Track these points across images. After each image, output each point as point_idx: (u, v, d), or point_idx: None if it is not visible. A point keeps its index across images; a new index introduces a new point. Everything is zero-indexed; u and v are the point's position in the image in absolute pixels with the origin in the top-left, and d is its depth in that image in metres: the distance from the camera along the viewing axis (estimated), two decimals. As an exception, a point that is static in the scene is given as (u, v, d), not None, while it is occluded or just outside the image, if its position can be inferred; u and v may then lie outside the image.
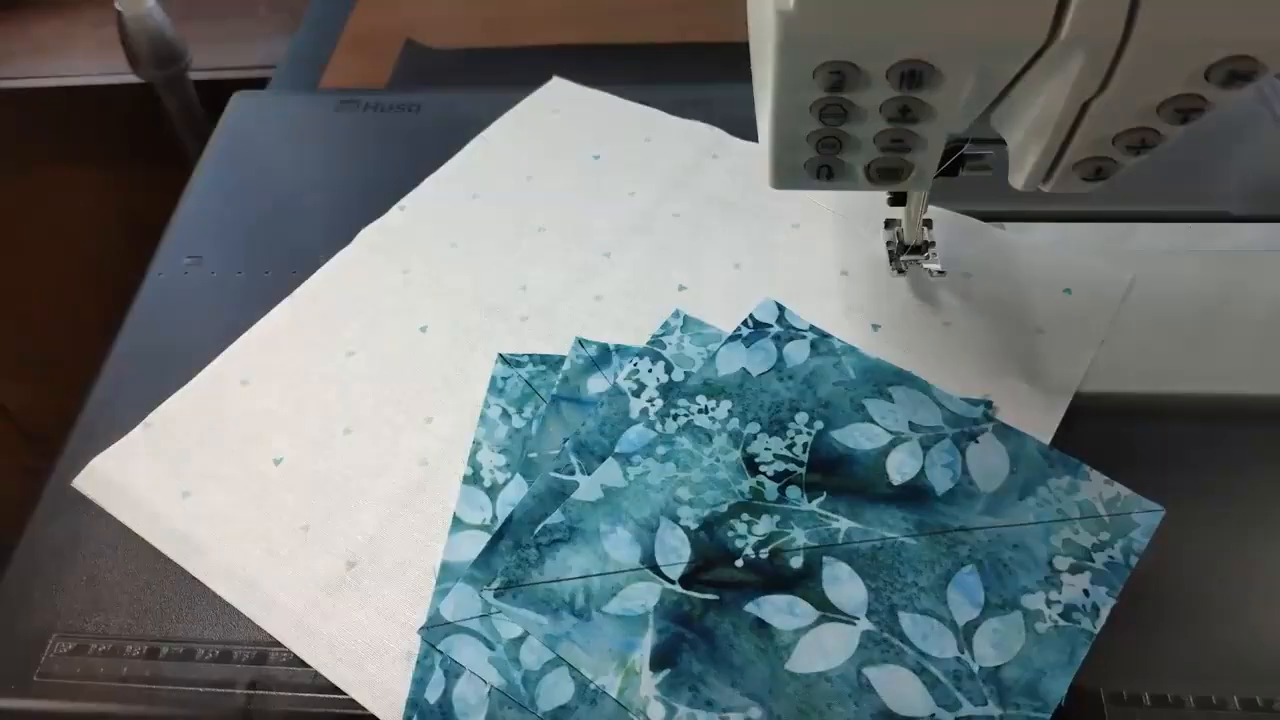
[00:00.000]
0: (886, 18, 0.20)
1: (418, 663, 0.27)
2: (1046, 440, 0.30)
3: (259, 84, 0.51)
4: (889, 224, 0.35)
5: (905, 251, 0.34)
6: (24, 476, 0.33)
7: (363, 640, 0.27)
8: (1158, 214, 0.38)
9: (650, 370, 0.33)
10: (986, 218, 0.37)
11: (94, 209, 0.74)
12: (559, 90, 0.45)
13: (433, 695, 0.26)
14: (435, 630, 0.27)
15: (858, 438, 0.31)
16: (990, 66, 0.21)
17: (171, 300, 0.38)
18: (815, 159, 0.25)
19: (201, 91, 0.60)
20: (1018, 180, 0.25)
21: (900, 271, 0.35)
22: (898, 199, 0.33)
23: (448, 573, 0.28)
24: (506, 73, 0.46)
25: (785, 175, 0.26)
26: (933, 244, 0.34)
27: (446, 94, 0.46)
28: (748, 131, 0.41)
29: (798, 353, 0.33)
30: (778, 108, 0.23)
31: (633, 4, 0.57)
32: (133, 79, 0.58)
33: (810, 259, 0.37)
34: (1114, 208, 0.38)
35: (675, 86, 0.45)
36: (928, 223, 0.34)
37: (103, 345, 0.36)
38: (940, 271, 0.34)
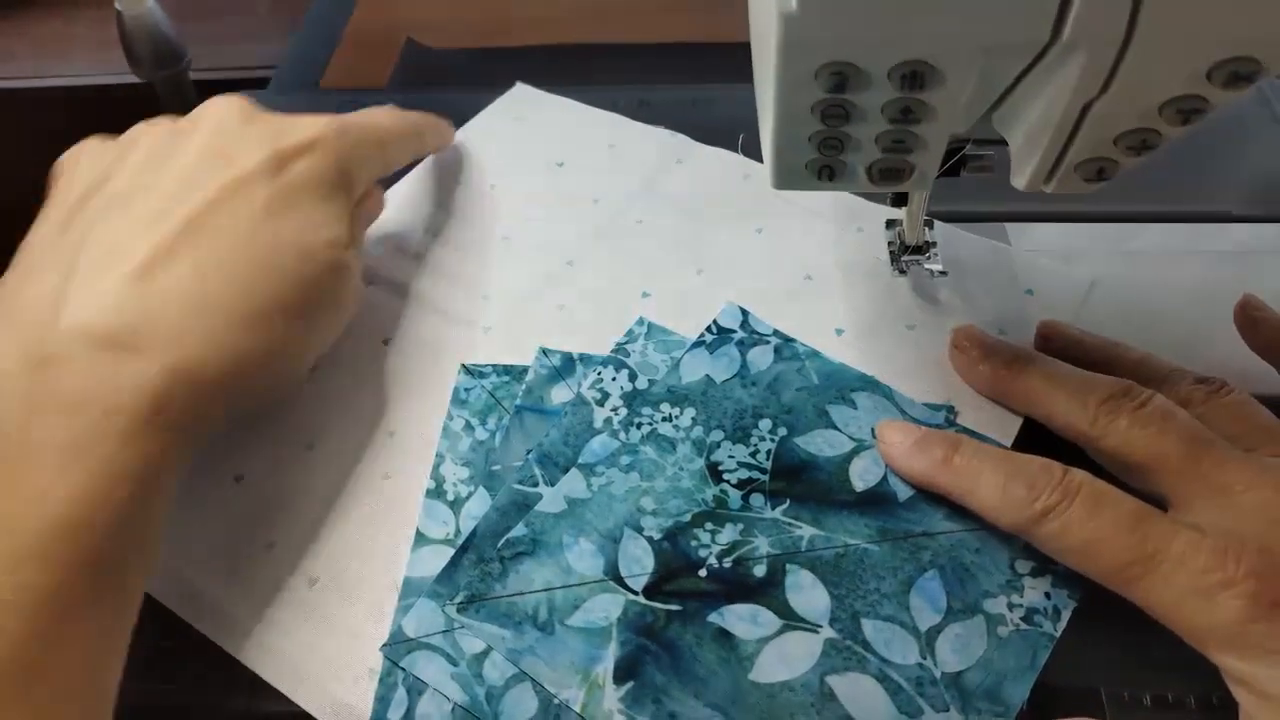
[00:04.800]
0: (888, 19, 0.20)
1: (380, 680, 0.26)
2: (1008, 444, 0.30)
3: (259, 84, 0.51)
4: (890, 224, 0.35)
5: (906, 252, 0.34)
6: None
7: (325, 659, 0.27)
8: (1158, 214, 0.38)
9: (614, 379, 0.33)
10: (988, 218, 0.37)
11: (94, 209, 0.74)
12: (522, 97, 0.45)
13: (395, 714, 0.26)
14: (397, 647, 0.27)
15: (820, 444, 0.30)
16: (992, 67, 0.21)
17: (172, 301, 0.38)
18: (817, 159, 0.25)
19: (202, 92, 0.60)
20: (1019, 181, 0.25)
21: (901, 272, 0.35)
22: (899, 200, 0.33)
23: (410, 588, 0.28)
24: (507, 73, 0.46)
25: (787, 176, 0.26)
26: (934, 244, 0.34)
27: (447, 94, 0.46)
28: (747, 133, 0.41)
29: (761, 358, 0.33)
30: (779, 109, 0.23)
31: (634, 4, 0.57)
32: (133, 79, 0.58)
33: (775, 263, 0.37)
34: (1114, 208, 0.38)
35: (676, 87, 0.45)
36: (929, 223, 0.34)
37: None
38: (942, 272, 0.34)
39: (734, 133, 0.41)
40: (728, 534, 0.29)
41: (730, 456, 0.30)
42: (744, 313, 0.34)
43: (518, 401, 0.32)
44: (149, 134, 0.30)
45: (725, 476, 0.30)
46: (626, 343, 0.34)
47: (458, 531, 0.29)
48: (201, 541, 0.30)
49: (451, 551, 0.29)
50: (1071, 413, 0.28)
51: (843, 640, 0.26)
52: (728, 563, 0.28)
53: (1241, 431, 0.27)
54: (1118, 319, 0.34)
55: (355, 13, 0.58)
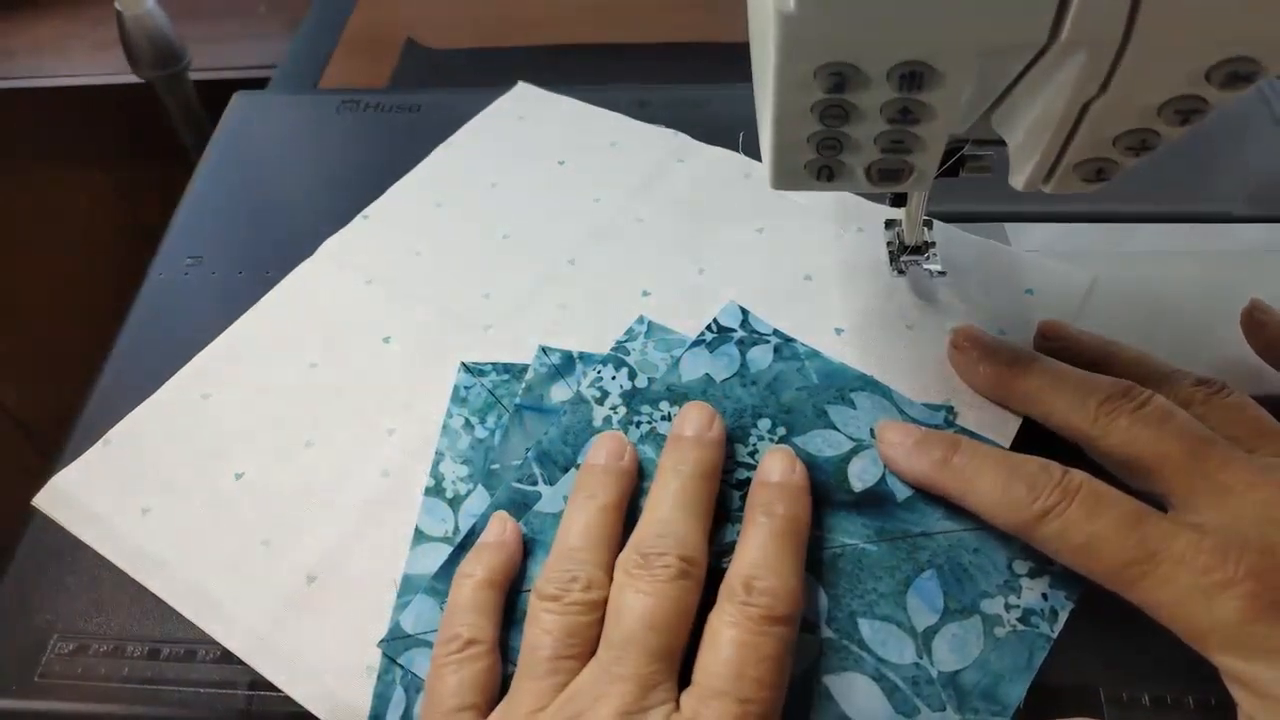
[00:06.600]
0: (887, 19, 0.20)
1: (379, 677, 0.27)
2: (1007, 445, 0.30)
3: (259, 84, 0.51)
4: (889, 224, 0.35)
5: (906, 252, 0.34)
6: (24, 476, 0.33)
7: (324, 655, 0.27)
8: (1158, 214, 0.38)
9: (614, 377, 0.32)
10: (987, 218, 0.37)
11: (94, 209, 0.74)
12: (524, 96, 0.45)
13: (394, 711, 0.26)
14: (396, 644, 0.27)
15: (819, 444, 0.30)
16: (991, 68, 0.21)
17: (172, 300, 0.38)
18: (816, 160, 0.25)
19: (201, 91, 0.60)
20: (1018, 181, 0.25)
21: (901, 272, 0.35)
22: (898, 200, 0.33)
23: (409, 585, 0.28)
24: (507, 73, 0.46)
25: (785, 176, 0.26)
26: (933, 244, 0.34)
27: (447, 94, 0.46)
28: (748, 132, 0.41)
29: (761, 357, 0.33)
30: (778, 109, 0.23)
31: (634, 4, 0.57)
32: (133, 79, 0.58)
33: (774, 263, 0.37)
34: (1114, 208, 0.38)
35: (676, 87, 0.45)
36: (928, 223, 0.34)
37: (104, 345, 0.36)
38: (941, 272, 0.34)
39: (734, 133, 0.41)
40: (726, 534, 0.28)
41: (729, 456, 0.30)
42: (744, 312, 0.34)
43: (517, 400, 0.32)
44: None
45: (724, 476, 0.30)
46: (626, 341, 0.34)
47: (456, 529, 0.29)
48: (201, 539, 0.30)
49: (450, 549, 0.29)
50: (1072, 413, 0.28)
51: (839, 640, 0.26)
52: (726, 562, 0.28)
53: (1241, 433, 0.27)
54: (1118, 319, 0.34)
55: (355, 13, 0.58)
